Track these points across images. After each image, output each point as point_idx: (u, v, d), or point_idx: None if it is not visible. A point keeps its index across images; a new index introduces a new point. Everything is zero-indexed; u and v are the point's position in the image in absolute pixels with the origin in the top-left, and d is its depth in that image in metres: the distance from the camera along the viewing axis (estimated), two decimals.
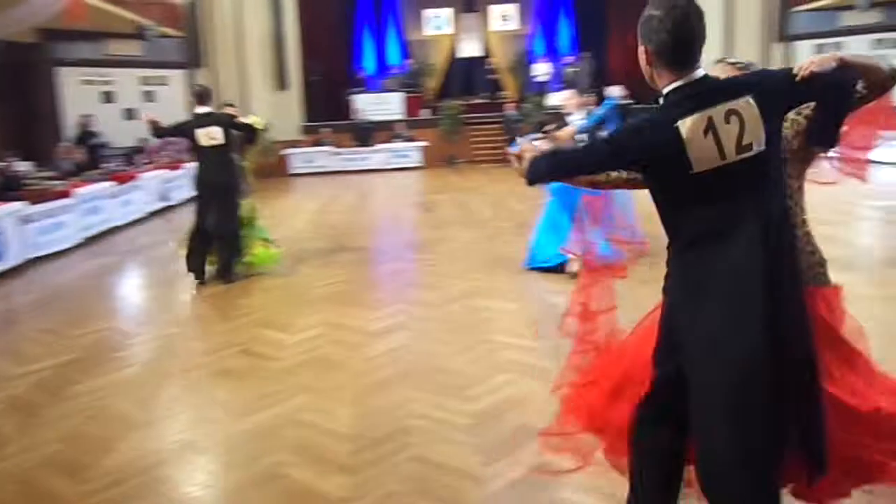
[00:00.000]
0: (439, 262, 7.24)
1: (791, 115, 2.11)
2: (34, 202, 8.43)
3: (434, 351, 4.64)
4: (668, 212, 2.03)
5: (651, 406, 2.16)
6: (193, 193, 6.78)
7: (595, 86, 14.90)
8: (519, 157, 2.25)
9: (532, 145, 2.31)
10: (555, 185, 6.49)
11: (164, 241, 9.00)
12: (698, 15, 1.92)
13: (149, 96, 15.38)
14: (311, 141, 17.52)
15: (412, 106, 18.83)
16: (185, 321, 5.84)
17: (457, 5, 20.82)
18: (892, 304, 5.01)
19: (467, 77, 20.88)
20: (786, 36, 17.25)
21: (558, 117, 6.58)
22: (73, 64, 13.86)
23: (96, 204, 9.89)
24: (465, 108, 18.52)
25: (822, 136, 2.05)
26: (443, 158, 17.66)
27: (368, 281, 6.89)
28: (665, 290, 2.12)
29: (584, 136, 6.45)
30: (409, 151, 17.65)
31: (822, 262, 2.20)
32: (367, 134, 17.63)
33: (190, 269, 6.66)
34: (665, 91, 1.97)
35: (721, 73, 2.25)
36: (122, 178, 10.92)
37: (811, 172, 2.27)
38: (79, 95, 13.91)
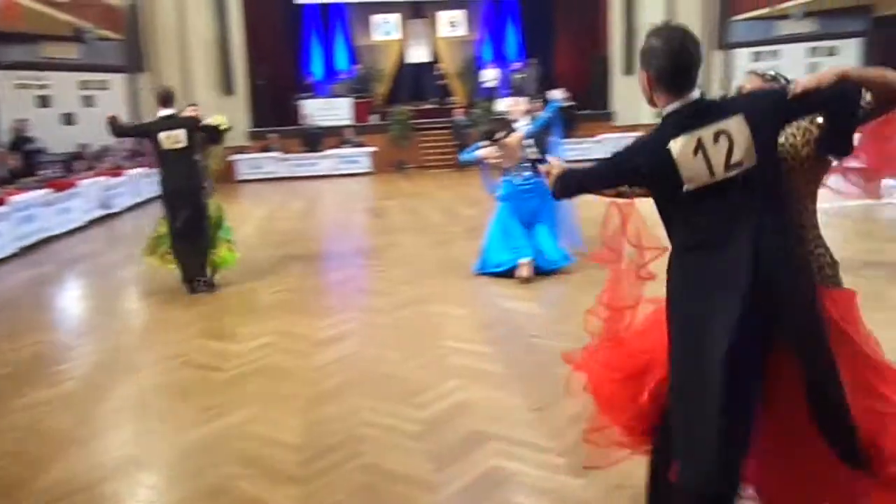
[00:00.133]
0: (389, 268, 7.21)
1: (804, 123, 2.16)
2: None
3: (384, 358, 4.61)
4: (667, 222, 2.16)
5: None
6: (160, 199, 6.52)
7: (542, 91, 15.09)
8: (548, 173, 2.42)
9: (560, 162, 2.46)
10: (505, 190, 6.55)
11: (103, 251, 8.74)
12: (694, 43, 2.06)
13: (88, 101, 14.95)
14: (258, 147, 17.27)
15: (361, 111, 18.75)
16: (128, 332, 5.67)
17: (405, 11, 20.82)
18: None
19: (416, 83, 20.90)
20: (725, 44, 17.78)
21: (505, 123, 6.63)
22: (7, 67, 13.35)
23: (32, 212, 9.52)
24: (415, 114, 18.52)
25: (833, 145, 2.12)
26: (392, 164, 17.62)
27: (317, 288, 6.82)
28: (666, 289, 2.19)
29: (532, 141, 6.52)
30: (359, 157, 17.56)
31: (832, 265, 2.23)
32: (316, 139, 17.48)
33: (188, 277, 6.44)
34: (664, 112, 2.10)
35: (748, 83, 2.38)
36: (59, 186, 10.54)
37: (829, 181, 2.28)
38: (13, 99, 13.43)
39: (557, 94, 6.75)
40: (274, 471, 3.23)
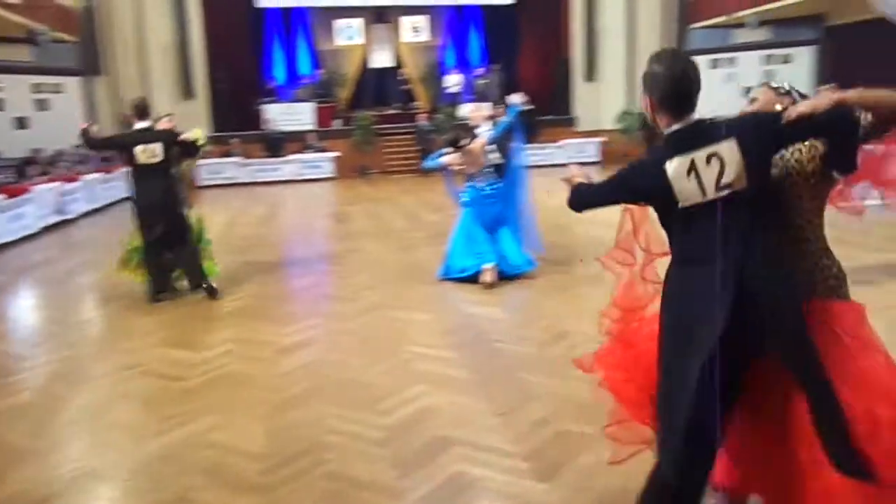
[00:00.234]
0: (352, 273, 7.17)
1: (810, 139, 2.23)
2: None
3: (348, 364, 4.58)
4: (667, 234, 2.32)
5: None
6: (134, 213, 6.33)
7: (505, 97, 15.20)
8: (568, 182, 2.59)
9: (579, 171, 2.63)
10: (468, 195, 6.58)
11: (59, 258, 8.53)
12: (695, 70, 2.18)
13: (41, 104, 14.58)
14: (219, 152, 17.03)
15: (324, 116, 18.65)
16: (83, 342, 5.53)
17: (368, 16, 20.78)
18: None
19: (379, 88, 20.87)
20: (684, 51, 18.08)
21: (467, 130, 6.66)
22: None
23: None
24: (378, 119, 18.49)
25: (837, 162, 2.19)
26: (355, 169, 17.55)
27: (280, 295, 6.74)
28: (661, 293, 2.34)
29: (494, 147, 6.56)
30: (321, 162, 17.46)
31: (838, 277, 2.29)
32: (278, 144, 17.33)
33: (156, 290, 6.29)
34: (665, 133, 2.23)
35: (762, 95, 2.43)
36: (12, 192, 10.27)
37: (843, 195, 2.38)
38: None
39: (516, 99, 6.81)
40: (237, 480, 3.19)
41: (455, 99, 18.85)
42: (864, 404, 2.09)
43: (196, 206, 6.74)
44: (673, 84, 2.16)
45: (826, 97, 2.03)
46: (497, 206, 6.56)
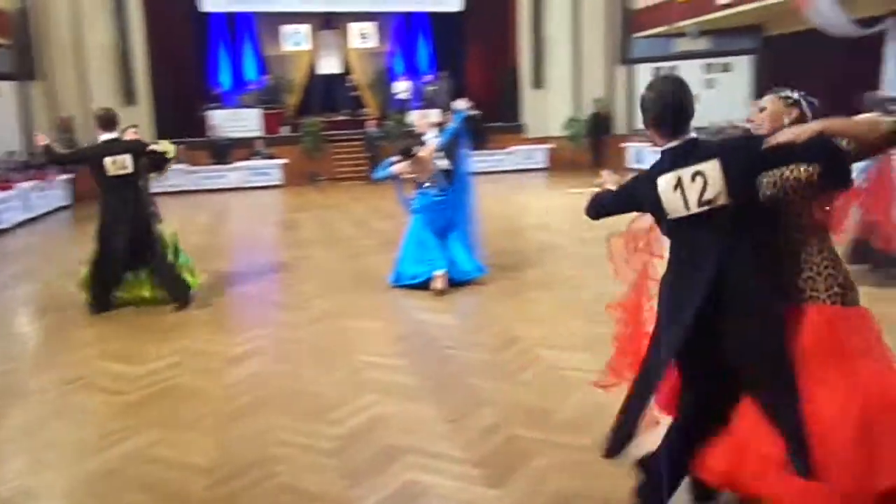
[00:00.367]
0: (302, 282, 7.09)
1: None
2: None
3: (297, 374, 4.52)
4: (666, 241, 2.59)
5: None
6: (99, 226, 6.08)
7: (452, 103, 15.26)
8: (601, 186, 2.83)
9: (613, 179, 2.83)
10: (419, 202, 6.57)
11: None
12: (684, 93, 2.41)
13: None
14: None
15: (271, 122, 18.40)
16: (20, 356, 5.32)
17: (315, 22, 20.62)
18: None
19: (328, 94, 20.70)
20: (627, 59, 18.52)
21: (414, 138, 6.66)
22: None
23: None
24: (327, 125, 18.34)
25: (830, 181, 2.36)
26: (304, 176, 17.37)
27: (228, 304, 6.60)
28: (658, 292, 2.57)
29: (443, 153, 6.57)
30: (269, 169, 17.22)
31: (844, 285, 2.41)
32: (224, 151, 17.02)
33: (95, 302, 6.08)
34: (660, 150, 2.46)
35: (770, 105, 2.57)
36: None
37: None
38: None
39: (461, 104, 6.85)
40: (181, 495, 3.11)
41: (404, 105, 18.84)
42: (857, 407, 2.22)
43: (166, 219, 6.55)
44: (661, 107, 2.40)
45: (810, 126, 2.21)
46: (447, 212, 6.58)
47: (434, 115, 14.64)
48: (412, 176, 6.55)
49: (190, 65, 18.82)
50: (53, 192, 13.95)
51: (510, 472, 3.14)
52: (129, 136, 6.40)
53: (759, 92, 13.79)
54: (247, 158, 17.21)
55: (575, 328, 5.13)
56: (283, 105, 19.76)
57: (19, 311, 6.65)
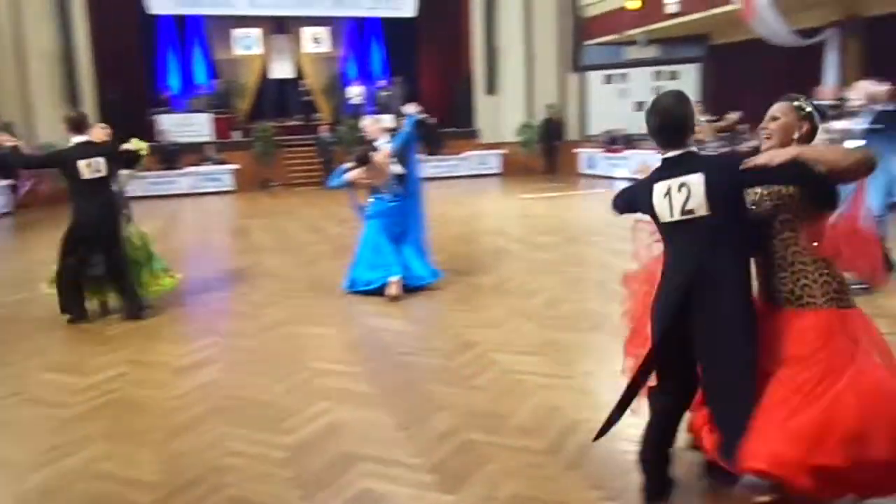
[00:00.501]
0: (254, 289, 6.97)
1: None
2: None
3: (248, 383, 4.42)
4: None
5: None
6: (70, 230, 5.85)
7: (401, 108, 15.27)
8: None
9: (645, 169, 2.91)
10: (374, 208, 6.52)
11: None
12: (683, 109, 2.58)
13: None
14: None
15: (222, 127, 18.11)
16: None
17: (267, 26, 20.38)
18: None
19: (280, 98, 20.49)
20: (579, 67, 18.77)
21: (367, 144, 6.62)
22: None
23: None
24: (279, 131, 18.13)
25: (816, 201, 2.52)
26: (256, 182, 17.14)
27: (177, 313, 6.44)
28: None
29: (395, 158, 6.54)
30: (220, 175, 16.94)
31: (839, 290, 2.54)
32: (174, 156, 16.69)
33: (67, 310, 5.87)
34: (661, 158, 2.64)
35: (784, 117, 2.63)
36: None
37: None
38: None
39: (411, 109, 6.85)
40: None
41: (357, 111, 18.74)
42: (851, 403, 2.34)
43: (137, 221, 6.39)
44: (658, 121, 2.59)
45: (785, 151, 2.41)
46: (402, 217, 6.55)
47: (387, 120, 14.63)
48: (368, 182, 6.50)
49: (137, 68, 18.40)
50: None
51: (465, 478, 3.12)
52: (98, 134, 6.21)
53: (705, 99, 14.13)
54: (197, 164, 16.91)
55: (529, 332, 5.15)
56: (235, 110, 19.50)
57: None
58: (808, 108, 2.65)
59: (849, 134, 5.84)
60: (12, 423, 3.99)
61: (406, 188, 6.62)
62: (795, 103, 2.66)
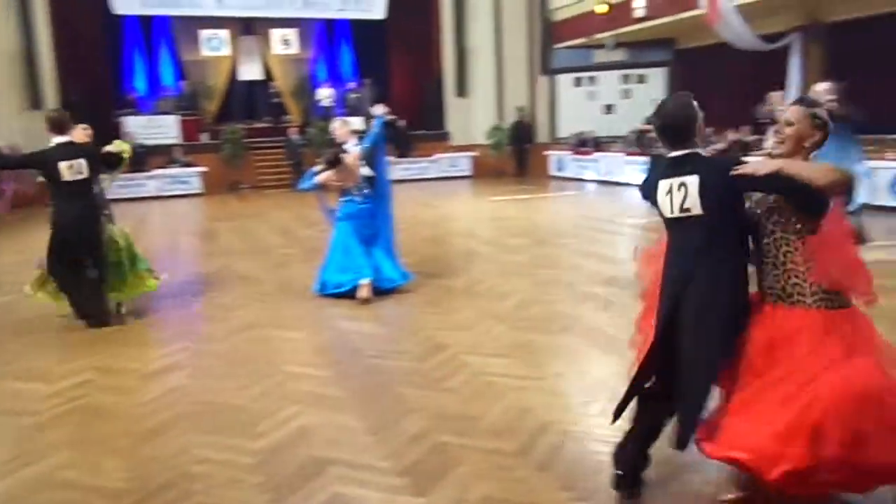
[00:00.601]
0: (223, 293, 6.89)
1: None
2: None
3: (217, 388, 4.38)
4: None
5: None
6: (53, 233, 5.72)
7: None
8: None
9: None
10: (345, 210, 6.49)
11: None
12: (682, 112, 2.70)
13: None
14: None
15: (189, 129, 17.90)
16: None
17: (235, 27, 20.18)
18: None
19: (249, 100, 20.30)
20: (549, 70, 18.91)
21: (337, 146, 6.59)
22: None
23: None
24: (248, 133, 17.99)
25: (805, 209, 2.56)
26: (225, 185, 16.97)
27: (145, 317, 6.34)
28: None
29: (364, 161, 6.52)
30: (188, 177, 16.75)
31: (828, 290, 2.56)
32: (140, 159, 16.39)
33: (84, 316, 5.74)
34: (669, 157, 2.75)
35: (798, 123, 2.61)
36: None
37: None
38: None
39: (379, 110, 6.85)
40: None
41: (327, 113, 18.65)
42: (821, 404, 2.39)
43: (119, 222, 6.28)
44: (662, 123, 2.72)
45: (769, 164, 2.54)
46: (373, 219, 6.53)
47: (356, 122, 14.59)
48: (338, 184, 6.47)
49: (102, 69, 18.13)
50: None
51: (436, 481, 3.13)
52: (79, 134, 6.09)
53: None
54: (164, 166, 16.70)
55: (499, 334, 5.17)
56: (203, 111, 19.27)
57: None
58: (825, 117, 2.60)
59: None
60: None
61: (375, 190, 6.61)
62: (811, 111, 2.60)
